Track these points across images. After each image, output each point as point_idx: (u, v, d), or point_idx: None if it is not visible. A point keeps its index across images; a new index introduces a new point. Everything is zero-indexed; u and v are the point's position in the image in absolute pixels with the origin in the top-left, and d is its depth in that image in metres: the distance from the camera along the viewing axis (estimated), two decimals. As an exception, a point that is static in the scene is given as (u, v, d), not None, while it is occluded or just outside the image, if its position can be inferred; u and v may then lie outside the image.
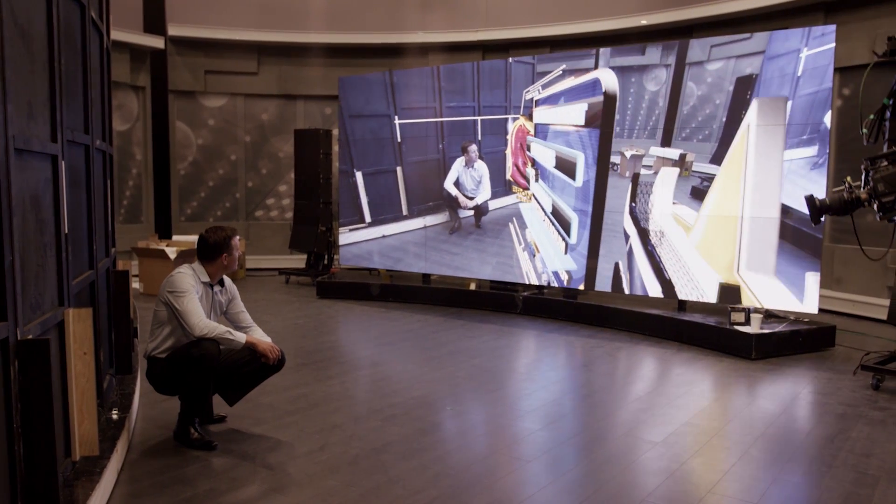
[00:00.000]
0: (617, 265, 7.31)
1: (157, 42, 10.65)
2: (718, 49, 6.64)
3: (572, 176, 7.55)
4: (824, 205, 3.92)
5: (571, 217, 7.58)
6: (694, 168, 6.78)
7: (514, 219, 8.11)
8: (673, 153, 6.89)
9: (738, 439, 4.16)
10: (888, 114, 4.51)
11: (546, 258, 7.86)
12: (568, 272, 7.68)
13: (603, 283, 7.44)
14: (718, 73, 6.65)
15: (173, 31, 10.82)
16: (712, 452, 3.96)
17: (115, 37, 8.67)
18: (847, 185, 4.34)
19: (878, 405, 4.80)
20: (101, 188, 4.39)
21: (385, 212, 9.08)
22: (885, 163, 3.96)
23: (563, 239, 7.67)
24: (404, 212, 8.93)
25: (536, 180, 7.88)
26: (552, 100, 7.69)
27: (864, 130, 4.54)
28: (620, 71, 7.18)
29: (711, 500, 3.35)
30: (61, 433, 2.99)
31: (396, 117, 8.81)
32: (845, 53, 7.79)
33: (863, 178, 4.57)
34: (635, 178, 7.15)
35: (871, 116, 4.65)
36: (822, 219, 4.86)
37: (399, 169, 8.90)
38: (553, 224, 7.76)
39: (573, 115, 7.53)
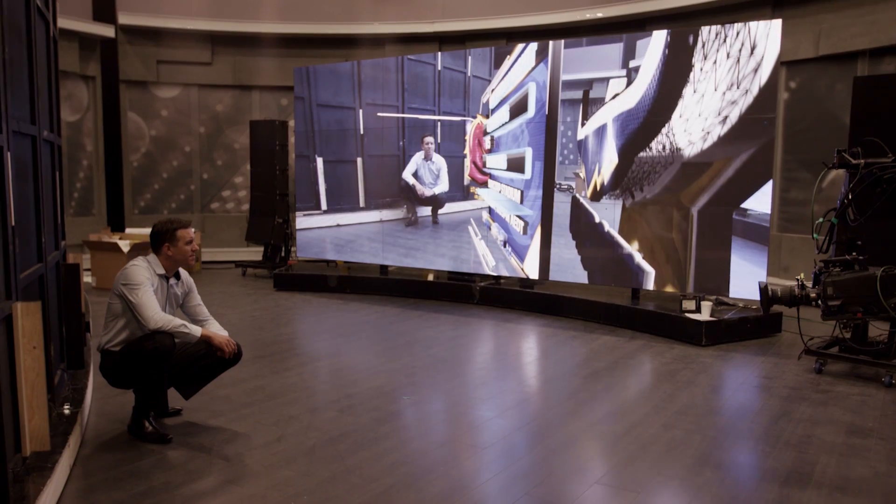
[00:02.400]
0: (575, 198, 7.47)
1: (107, 30, 10.43)
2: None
3: (525, 109, 7.70)
4: (775, 296, 4.14)
5: (525, 151, 7.72)
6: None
7: (472, 220, 8.20)
8: (616, 204, 7.17)
9: (687, 423, 4.28)
10: (835, 228, 4.76)
11: (501, 212, 7.97)
12: (522, 219, 7.77)
13: (557, 273, 7.55)
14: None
15: (124, 19, 10.61)
16: (662, 436, 4.07)
17: (63, 25, 8.47)
18: (799, 281, 4.53)
19: (821, 388, 4.98)
20: (50, 180, 4.30)
21: (342, 201, 9.12)
22: (839, 268, 4.15)
23: (519, 189, 7.80)
24: (361, 203, 8.96)
25: (491, 149, 7.99)
26: (503, 77, 7.87)
27: (816, 235, 4.77)
28: (570, 104, 7.39)
29: (660, 481, 3.45)
30: (11, 428, 2.94)
31: (361, 111, 8.84)
32: (791, 48, 8.02)
33: (813, 277, 4.80)
34: (585, 96, 7.27)
35: (821, 220, 4.88)
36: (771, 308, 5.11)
37: (359, 160, 8.93)
38: (509, 185, 7.88)
39: (524, 64, 7.70)
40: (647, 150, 6.85)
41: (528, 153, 7.68)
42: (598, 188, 7.23)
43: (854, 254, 4.36)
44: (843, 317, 4.06)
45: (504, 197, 7.95)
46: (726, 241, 6.46)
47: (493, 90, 7.93)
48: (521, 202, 7.77)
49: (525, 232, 7.76)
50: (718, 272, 6.52)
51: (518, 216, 7.81)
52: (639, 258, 6.97)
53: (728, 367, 5.56)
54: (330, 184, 9.15)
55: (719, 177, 6.45)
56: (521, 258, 7.82)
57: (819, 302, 4.30)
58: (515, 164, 7.82)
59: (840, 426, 4.21)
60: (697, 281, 6.63)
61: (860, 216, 4.68)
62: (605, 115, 7.14)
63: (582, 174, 7.33)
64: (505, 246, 7.93)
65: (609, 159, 7.13)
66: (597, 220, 7.24)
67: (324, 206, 9.20)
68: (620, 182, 7.06)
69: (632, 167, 6.96)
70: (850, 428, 4.18)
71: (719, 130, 6.40)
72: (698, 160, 6.56)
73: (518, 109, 7.75)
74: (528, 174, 7.70)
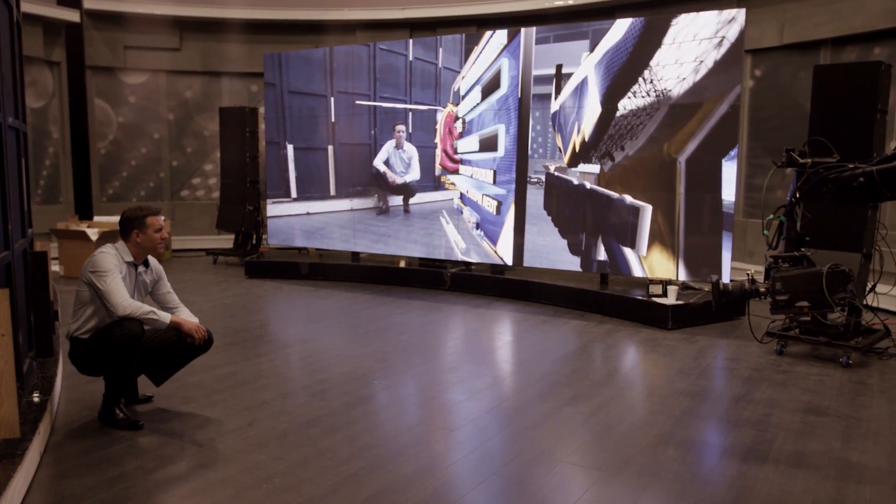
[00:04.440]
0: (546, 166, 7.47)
1: (73, 15, 10.24)
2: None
3: (498, 86, 7.66)
4: (726, 290, 4.26)
5: (497, 129, 7.67)
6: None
7: (444, 210, 8.20)
8: (594, 168, 7.17)
9: (651, 404, 4.40)
10: (784, 225, 4.89)
11: (473, 195, 7.96)
12: (495, 198, 7.76)
13: (533, 259, 7.57)
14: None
15: (89, 3, 10.42)
16: (627, 417, 4.18)
17: (26, 9, 8.33)
18: (750, 276, 4.67)
19: (781, 369, 5.13)
20: (16, 167, 4.27)
21: (312, 189, 9.09)
22: (787, 264, 4.29)
23: (491, 168, 7.79)
24: (332, 192, 8.95)
25: (462, 133, 7.95)
26: (474, 62, 7.87)
27: (766, 232, 4.90)
28: (539, 99, 7.43)
29: (625, 460, 3.55)
30: (-20, 416, 2.95)
31: (332, 98, 8.79)
32: (756, 36, 8.15)
33: (764, 272, 4.92)
34: (558, 70, 7.26)
35: (771, 217, 5.01)
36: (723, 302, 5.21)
37: (330, 148, 8.89)
38: (481, 166, 7.87)
39: (495, 45, 7.69)
40: (632, 95, 6.68)
41: (501, 129, 7.67)
42: (578, 149, 7.16)
43: (802, 250, 4.51)
44: (791, 311, 4.21)
45: (476, 180, 7.97)
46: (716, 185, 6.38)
47: (463, 77, 7.96)
48: (494, 182, 7.78)
49: (498, 211, 7.77)
50: (711, 224, 6.50)
51: (490, 196, 7.81)
52: (630, 198, 6.89)
53: (693, 350, 5.69)
54: (300, 171, 9.11)
55: (710, 118, 6.29)
56: (494, 241, 7.85)
57: (767, 296, 4.46)
58: (488, 144, 7.81)
59: (798, 405, 4.35)
60: (687, 231, 6.61)
61: (808, 214, 4.82)
62: (585, 69, 7.04)
63: (559, 142, 7.33)
64: (477, 228, 7.94)
65: (591, 110, 7.02)
66: (576, 182, 7.22)
67: (293, 193, 9.16)
68: (604, 134, 6.92)
69: (615, 115, 6.81)
70: (807, 407, 4.32)
71: (714, 55, 6.23)
72: (688, 100, 6.43)
73: (491, 88, 7.73)
74: (500, 151, 7.69)
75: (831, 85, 5.51)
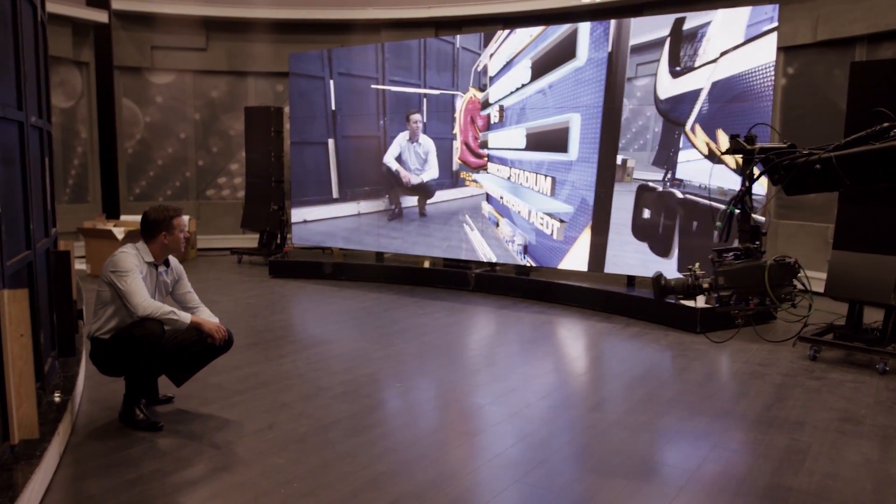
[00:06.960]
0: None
1: (101, 16, 10.34)
2: (644, 67, 6.47)
3: (571, 56, 6.07)
4: (668, 286, 4.14)
5: (570, 118, 6.02)
6: (634, 175, 6.74)
7: (467, 216, 7.49)
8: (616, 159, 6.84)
9: (680, 410, 4.28)
10: (736, 215, 4.74)
11: (515, 206, 6.88)
12: (556, 217, 6.47)
13: (613, 264, 6.78)
14: (646, 89, 6.54)
15: (117, 4, 10.51)
16: (655, 423, 4.07)
17: (55, 10, 8.42)
18: (692, 272, 4.57)
19: (815, 375, 4.97)
20: (39, 166, 4.27)
21: (310, 191, 8.11)
22: (731, 257, 4.20)
23: (547, 174, 6.55)
24: (335, 194, 8.07)
25: (499, 122, 6.78)
26: (507, 37, 6.95)
27: (719, 224, 4.76)
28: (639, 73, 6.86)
29: (652, 468, 3.45)
30: (-2, 416, 2.93)
31: (332, 81, 7.87)
32: (789, 33, 7.96)
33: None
34: (677, 27, 6.24)
35: (724, 208, 4.87)
36: (665, 299, 5.00)
37: (331, 142, 7.95)
38: (524, 168, 6.71)
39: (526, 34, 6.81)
40: None
41: (575, 121, 6.03)
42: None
43: (757, 243, 4.38)
44: (737, 307, 4.09)
45: (515, 184, 6.91)
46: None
47: (491, 55, 7.01)
48: (552, 192, 6.41)
49: (560, 236, 6.51)
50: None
51: (550, 214, 6.48)
52: None
53: (722, 354, 5.55)
54: (295, 170, 8.03)
55: None
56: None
57: (710, 292, 4.36)
58: (545, 140, 6.45)
59: (833, 413, 4.20)
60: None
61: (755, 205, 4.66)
62: None
63: (705, 147, 5.82)
64: (524, 253, 6.88)
65: None
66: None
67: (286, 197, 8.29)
68: None
69: None
70: (843, 415, 4.17)
71: None
72: None
73: (552, 61, 6.21)
74: (571, 153, 6.15)
75: (868, 82, 5.34)
